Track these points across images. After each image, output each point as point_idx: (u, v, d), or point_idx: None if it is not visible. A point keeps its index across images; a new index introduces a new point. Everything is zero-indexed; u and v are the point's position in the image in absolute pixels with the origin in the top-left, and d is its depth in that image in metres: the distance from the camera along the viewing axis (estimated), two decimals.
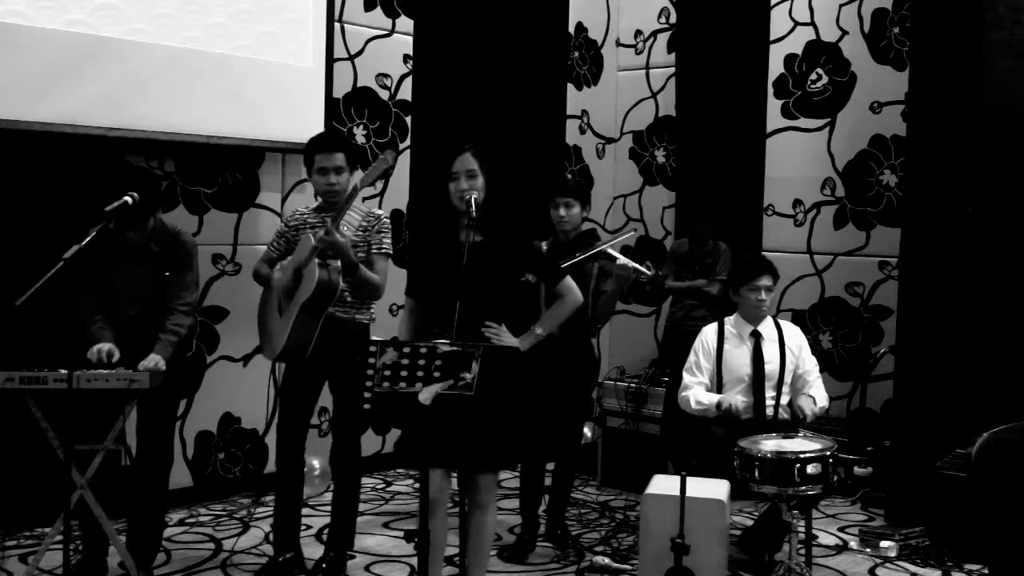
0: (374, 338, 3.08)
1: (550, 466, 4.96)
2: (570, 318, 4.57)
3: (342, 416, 4.35)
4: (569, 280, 3.88)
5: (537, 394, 4.16)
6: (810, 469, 3.82)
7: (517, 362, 3.65)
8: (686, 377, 4.63)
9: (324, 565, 4.31)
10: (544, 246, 4.73)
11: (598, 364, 5.08)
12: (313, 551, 4.59)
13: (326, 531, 4.59)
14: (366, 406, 3.06)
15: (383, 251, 4.22)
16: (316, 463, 5.34)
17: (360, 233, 4.17)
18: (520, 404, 3.67)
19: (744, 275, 4.65)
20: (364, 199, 5.94)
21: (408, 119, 6.19)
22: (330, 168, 4.15)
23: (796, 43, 6.51)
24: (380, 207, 6.07)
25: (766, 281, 4.59)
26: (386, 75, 6.08)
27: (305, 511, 4.73)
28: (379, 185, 4.07)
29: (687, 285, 5.88)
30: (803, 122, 6.50)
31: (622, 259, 4.64)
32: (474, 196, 3.58)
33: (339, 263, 4.04)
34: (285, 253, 4.30)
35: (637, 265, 4.64)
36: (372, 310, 4.32)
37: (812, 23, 6.45)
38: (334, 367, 4.22)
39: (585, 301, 4.65)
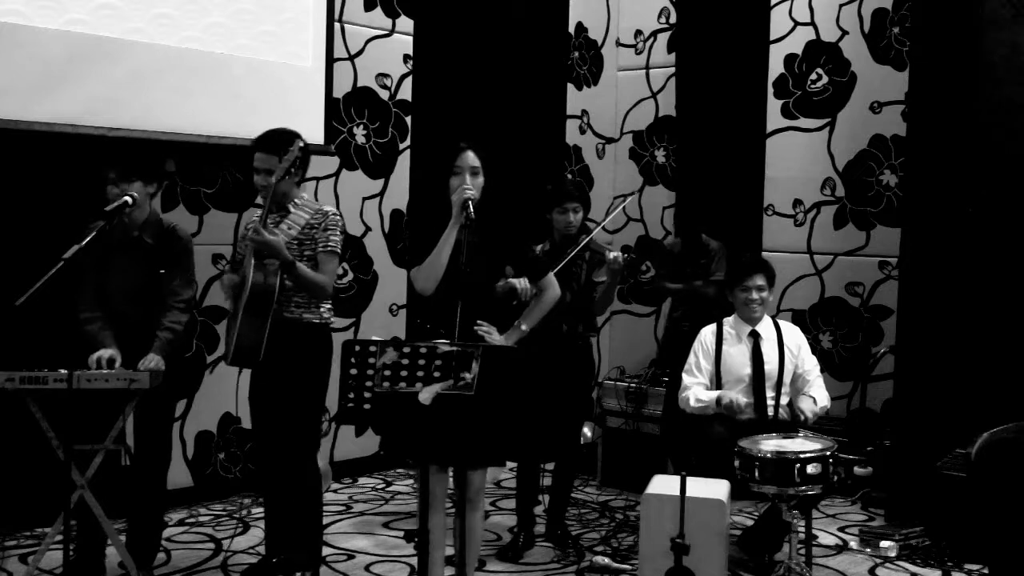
0: (374, 338, 3.08)
1: (550, 466, 4.97)
2: (573, 318, 4.58)
3: (290, 422, 4.12)
4: (550, 276, 3.93)
5: (533, 393, 4.16)
6: (810, 469, 3.82)
7: (514, 361, 3.66)
8: (686, 378, 4.63)
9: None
10: (539, 249, 4.74)
11: (596, 366, 5.07)
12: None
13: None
14: (366, 406, 3.05)
15: (329, 248, 4.07)
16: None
17: (307, 231, 4.06)
18: (513, 402, 3.67)
19: (736, 276, 4.67)
20: (364, 199, 5.99)
21: (408, 119, 6.19)
22: (261, 169, 4.03)
23: (796, 43, 6.51)
24: (380, 207, 6.08)
25: (758, 281, 4.59)
26: (386, 75, 6.07)
27: None
28: (295, 173, 3.94)
29: (683, 287, 5.85)
30: (803, 122, 6.50)
31: (609, 252, 4.65)
32: (473, 197, 3.60)
33: (277, 263, 3.93)
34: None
35: (616, 254, 4.62)
36: (323, 309, 4.14)
37: (812, 23, 6.45)
38: (284, 370, 4.05)
39: (578, 295, 4.67)
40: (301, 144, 4.01)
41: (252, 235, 3.89)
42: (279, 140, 4.07)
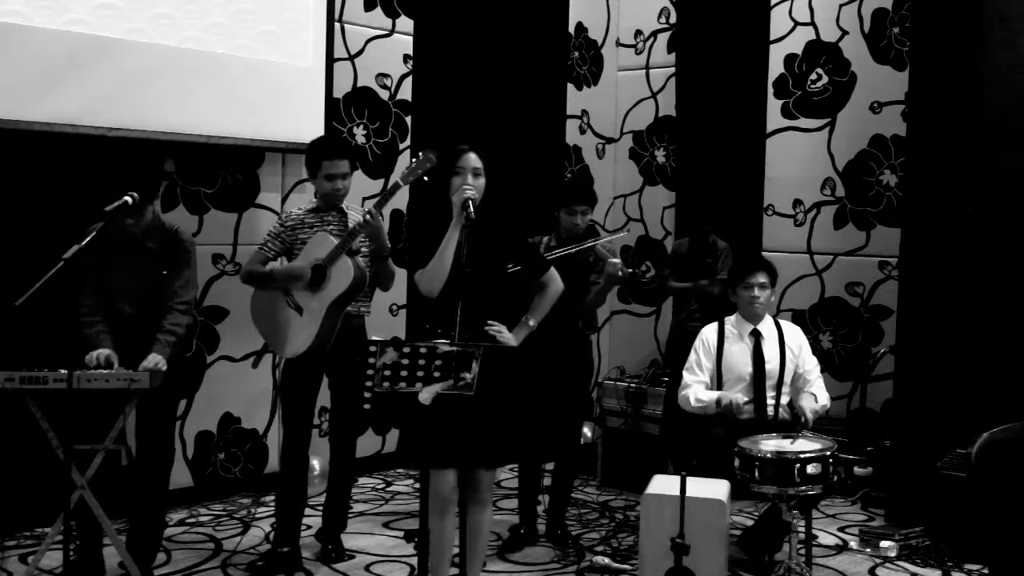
0: (374, 338, 3.08)
1: (549, 466, 4.96)
2: (569, 316, 4.59)
3: (341, 412, 4.51)
4: (552, 271, 3.93)
5: (535, 393, 4.17)
6: (810, 469, 3.82)
7: (515, 360, 3.66)
8: (686, 376, 4.63)
9: (332, 554, 4.53)
10: (544, 241, 4.75)
11: (595, 364, 5.08)
12: (312, 551, 4.60)
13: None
14: (366, 406, 3.06)
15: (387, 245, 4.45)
16: (316, 463, 5.34)
17: None
18: (519, 401, 3.68)
19: (739, 274, 4.68)
20: (364, 199, 5.99)
21: (408, 119, 6.19)
22: (337, 175, 4.35)
23: (796, 43, 6.51)
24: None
25: (760, 278, 4.60)
26: (386, 75, 6.07)
27: (306, 511, 4.74)
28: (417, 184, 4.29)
29: (689, 285, 5.88)
30: (803, 122, 6.50)
31: (612, 258, 4.68)
32: (473, 197, 3.60)
33: (361, 257, 4.29)
34: (281, 253, 4.43)
35: (618, 261, 4.64)
36: (369, 301, 4.52)
37: (812, 23, 6.45)
38: (335, 363, 4.37)
39: (578, 295, 4.67)
40: (436, 152, 4.16)
41: (369, 220, 4.19)
42: (347, 144, 4.49)
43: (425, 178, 4.22)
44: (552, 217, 4.82)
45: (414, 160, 4.24)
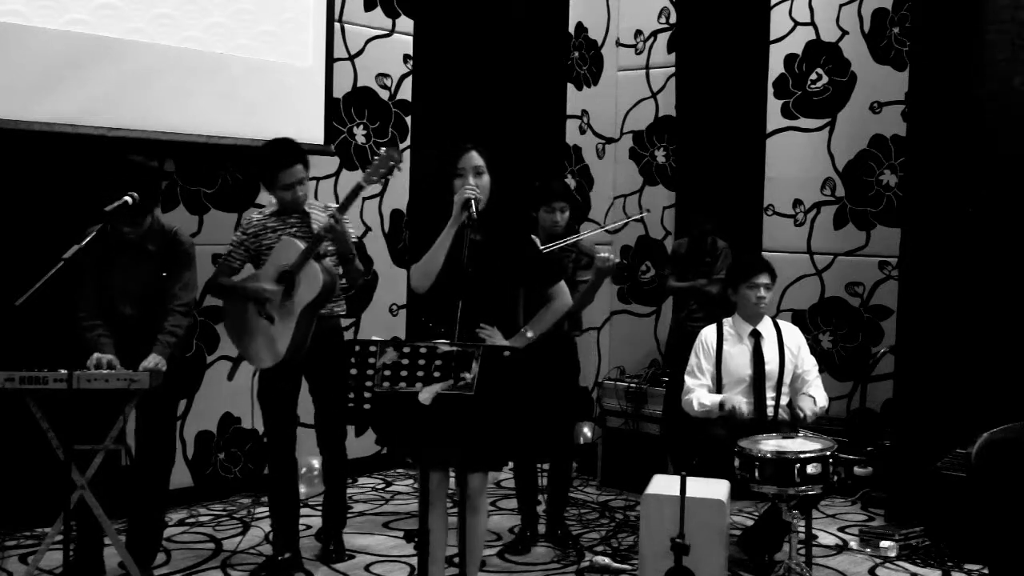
0: (374, 338, 3.08)
1: (547, 466, 4.96)
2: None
3: (326, 414, 4.47)
4: (561, 284, 3.83)
5: (526, 394, 4.16)
6: (810, 469, 3.82)
7: (507, 362, 3.64)
8: (688, 380, 4.62)
9: (333, 554, 4.54)
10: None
11: (579, 366, 5.04)
12: (312, 551, 4.60)
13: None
14: (366, 406, 3.05)
15: (353, 241, 4.40)
16: (315, 463, 5.34)
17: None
18: (511, 403, 3.66)
19: (742, 274, 4.66)
20: (364, 199, 5.99)
21: (408, 119, 6.19)
22: (294, 182, 4.22)
23: (796, 43, 6.51)
24: (380, 207, 6.08)
25: (764, 279, 4.59)
26: (386, 75, 6.08)
27: (305, 511, 4.74)
28: (382, 182, 4.18)
29: (688, 285, 5.88)
30: (803, 122, 6.50)
31: (602, 251, 4.66)
32: (477, 196, 3.58)
33: (330, 260, 4.23)
34: (247, 261, 4.37)
35: (606, 254, 4.62)
36: (343, 301, 4.50)
37: (812, 23, 6.45)
38: (313, 366, 4.32)
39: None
40: (398, 151, 4.11)
41: (333, 224, 4.08)
42: (296, 148, 4.28)
43: (388, 177, 4.17)
44: (531, 218, 4.79)
45: (376, 159, 4.17)
